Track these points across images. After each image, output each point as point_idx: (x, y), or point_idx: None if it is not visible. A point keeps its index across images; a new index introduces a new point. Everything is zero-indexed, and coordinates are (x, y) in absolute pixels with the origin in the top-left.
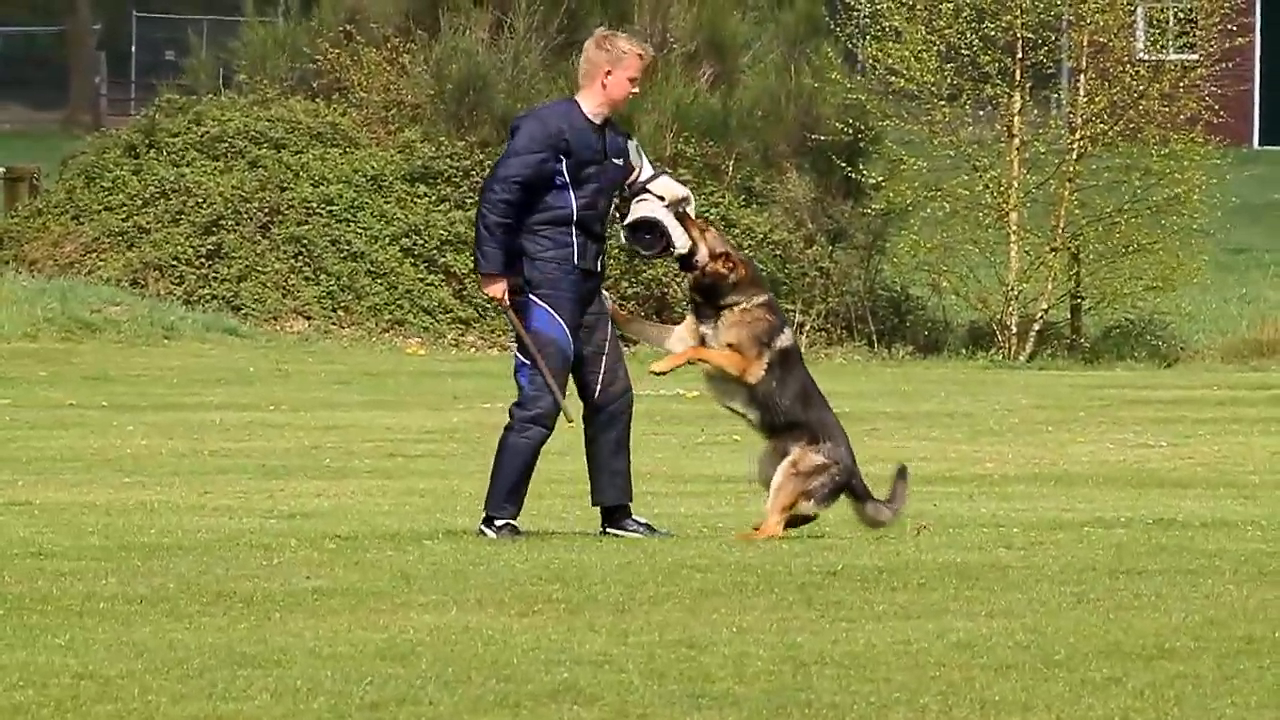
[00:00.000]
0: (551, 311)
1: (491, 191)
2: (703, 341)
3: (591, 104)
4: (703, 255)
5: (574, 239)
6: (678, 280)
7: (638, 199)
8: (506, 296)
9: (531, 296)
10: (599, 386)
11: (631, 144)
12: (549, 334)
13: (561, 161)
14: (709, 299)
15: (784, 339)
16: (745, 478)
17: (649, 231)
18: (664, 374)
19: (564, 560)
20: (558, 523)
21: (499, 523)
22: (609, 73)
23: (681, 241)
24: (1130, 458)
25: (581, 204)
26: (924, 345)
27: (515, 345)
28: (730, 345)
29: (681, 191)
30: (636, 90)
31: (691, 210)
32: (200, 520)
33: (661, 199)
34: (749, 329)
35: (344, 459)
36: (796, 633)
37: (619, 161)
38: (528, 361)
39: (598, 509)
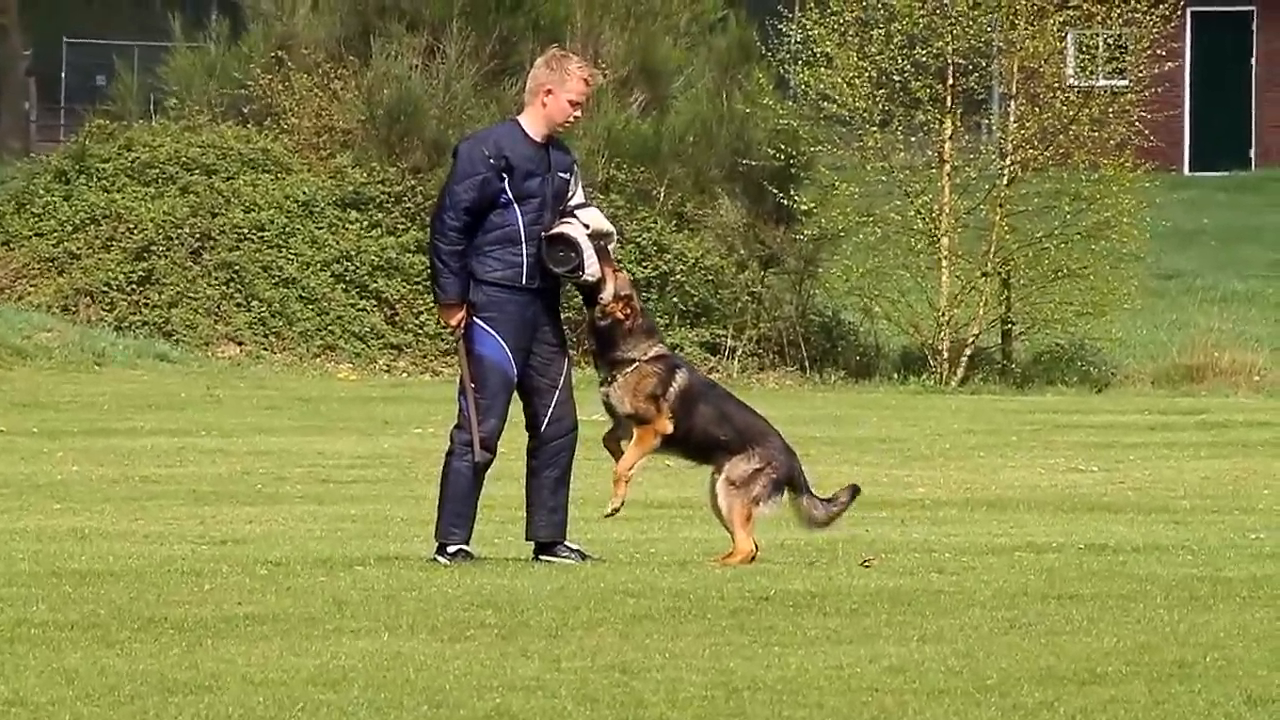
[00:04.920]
0: (495, 335)
1: (441, 222)
2: (608, 407)
3: (531, 123)
4: (608, 293)
5: (524, 257)
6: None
7: (561, 220)
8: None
9: (476, 320)
10: (546, 421)
11: (575, 168)
12: (492, 357)
13: (504, 180)
14: (604, 348)
15: (679, 381)
16: (679, 504)
17: (564, 249)
18: (618, 510)
19: (496, 586)
20: (490, 548)
21: (451, 549)
22: (549, 92)
23: (593, 269)
24: (1062, 482)
25: (528, 219)
26: (856, 370)
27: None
28: (630, 417)
29: (607, 227)
30: (579, 114)
31: (612, 250)
32: (131, 546)
33: (586, 227)
34: (641, 389)
35: (275, 484)
36: (729, 658)
37: (565, 175)
38: (472, 385)
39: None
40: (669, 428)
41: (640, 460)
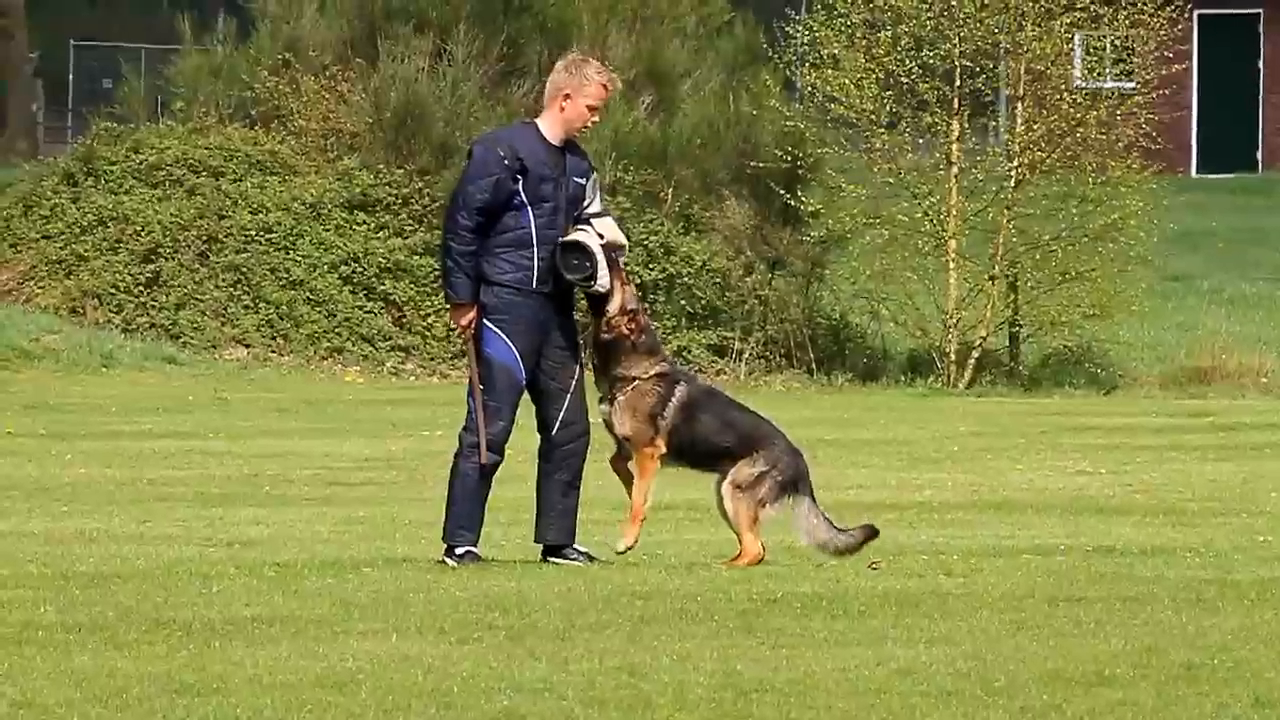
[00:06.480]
0: (505, 338)
1: (454, 221)
2: (607, 425)
3: (549, 126)
4: (615, 306)
5: (535, 261)
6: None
7: (577, 226)
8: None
9: (486, 322)
10: (558, 424)
11: (593, 176)
12: (501, 360)
13: (518, 181)
14: (606, 363)
15: (678, 396)
16: (686, 506)
17: (579, 256)
18: (633, 546)
19: (504, 588)
20: (497, 550)
21: (459, 551)
22: (568, 97)
23: (604, 280)
24: (1069, 485)
25: (540, 223)
26: (863, 372)
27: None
28: (627, 439)
29: (620, 238)
30: (596, 119)
31: (623, 262)
32: (139, 548)
33: (601, 236)
34: (639, 409)
35: (283, 487)
36: (737, 660)
37: (580, 180)
38: (481, 386)
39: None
40: (663, 448)
41: (650, 491)
